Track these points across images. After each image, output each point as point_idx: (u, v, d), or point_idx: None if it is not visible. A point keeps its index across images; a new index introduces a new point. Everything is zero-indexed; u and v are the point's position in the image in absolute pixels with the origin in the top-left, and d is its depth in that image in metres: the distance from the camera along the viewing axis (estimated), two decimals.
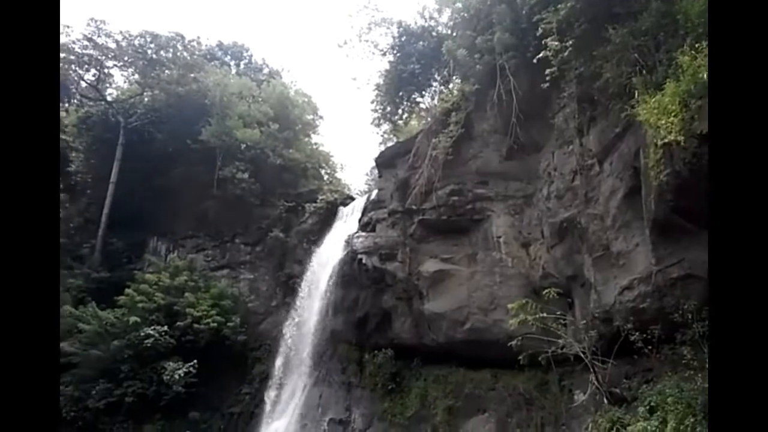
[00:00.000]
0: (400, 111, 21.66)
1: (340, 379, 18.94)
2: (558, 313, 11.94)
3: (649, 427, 8.83)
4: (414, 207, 17.00)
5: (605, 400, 11.12)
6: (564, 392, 13.10)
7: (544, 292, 11.94)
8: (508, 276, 14.55)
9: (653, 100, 8.51)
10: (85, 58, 29.20)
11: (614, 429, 9.79)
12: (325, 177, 29.51)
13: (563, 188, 12.89)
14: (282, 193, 25.61)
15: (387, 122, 22.41)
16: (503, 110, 14.06)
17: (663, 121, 8.12)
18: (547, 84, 11.88)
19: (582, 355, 11.15)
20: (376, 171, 23.40)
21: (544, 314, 11.63)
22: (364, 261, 17.99)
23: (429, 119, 18.51)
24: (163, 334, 20.07)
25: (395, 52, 20.67)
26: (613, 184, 11.04)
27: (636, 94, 9.32)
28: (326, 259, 20.24)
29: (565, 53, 11.29)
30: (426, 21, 20.21)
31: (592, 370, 11.09)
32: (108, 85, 31.94)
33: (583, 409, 11.87)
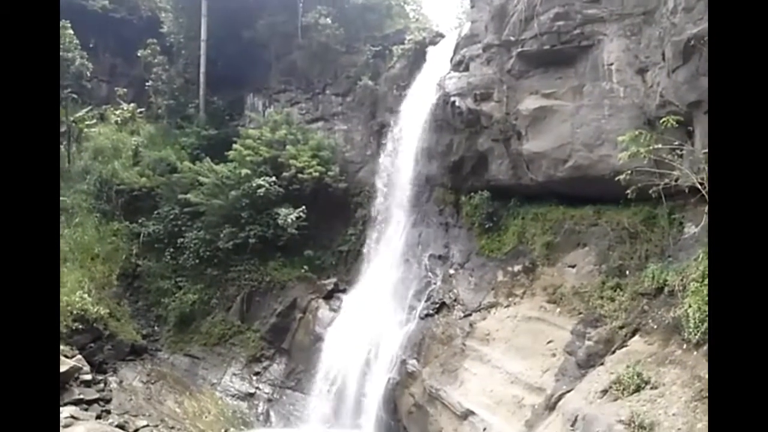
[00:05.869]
0: None
1: (437, 220, 19.80)
2: (675, 143, 11.05)
3: None
4: (512, 38, 15.54)
5: None
6: (674, 225, 12.66)
7: (661, 121, 10.97)
8: (618, 107, 13.35)
9: None
10: None
11: None
12: (411, 14, 27.49)
13: None
14: (367, 36, 24.55)
15: None
16: None
17: None
18: None
19: (699, 187, 10.50)
20: (467, 1, 21.32)
21: (659, 145, 10.86)
22: (457, 103, 17.35)
23: None
24: (272, 183, 21.74)
25: None
26: None
27: None
28: (417, 104, 19.81)
29: None
30: None
31: (708, 200, 10.49)
32: None
33: (695, 240, 11.51)
